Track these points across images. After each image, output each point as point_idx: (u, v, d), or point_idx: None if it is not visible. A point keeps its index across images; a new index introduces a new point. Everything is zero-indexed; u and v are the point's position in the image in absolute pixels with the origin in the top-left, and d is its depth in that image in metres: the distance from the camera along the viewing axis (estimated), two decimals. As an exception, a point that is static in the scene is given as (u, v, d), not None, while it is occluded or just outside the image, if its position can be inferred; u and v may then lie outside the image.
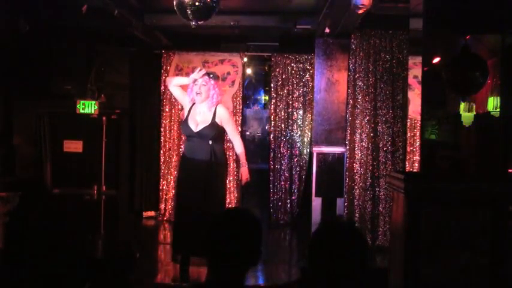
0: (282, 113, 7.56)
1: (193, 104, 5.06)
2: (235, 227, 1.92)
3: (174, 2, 4.39)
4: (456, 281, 3.53)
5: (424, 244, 3.57)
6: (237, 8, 6.34)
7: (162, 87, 7.64)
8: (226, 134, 5.20)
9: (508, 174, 3.74)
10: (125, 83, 7.63)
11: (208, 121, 4.94)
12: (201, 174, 4.90)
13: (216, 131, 4.95)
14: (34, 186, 7.14)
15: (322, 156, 6.48)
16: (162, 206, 7.64)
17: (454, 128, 4.16)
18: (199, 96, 4.96)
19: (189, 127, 4.97)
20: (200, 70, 5.03)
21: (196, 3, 4.26)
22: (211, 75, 5.06)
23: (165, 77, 7.61)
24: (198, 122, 4.97)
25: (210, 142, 4.91)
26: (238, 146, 5.12)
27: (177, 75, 7.59)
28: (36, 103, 7.48)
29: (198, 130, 4.94)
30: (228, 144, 7.50)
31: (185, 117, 5.06)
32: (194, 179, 4.94)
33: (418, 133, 7.09)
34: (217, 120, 4.95)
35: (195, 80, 4.97)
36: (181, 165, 5.18)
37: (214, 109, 4.96)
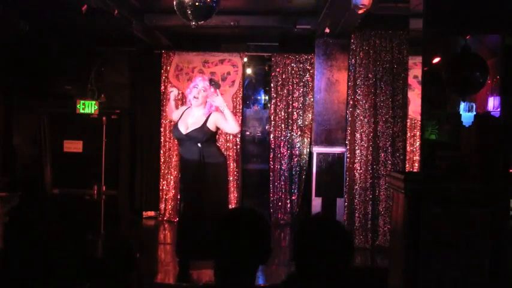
0: (282, 113, 7.56)
1: (187, 108, 5.07)
2: (243, 227, 1.92)
3: (174, 2, 4.38)
4: (456, 281, 3.53)
5: (424, 244, 3.57)
6: (237, 8, 6.34)
7: (162, 87, 7.64)
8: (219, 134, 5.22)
9: (508, 174, 3.73)
10: (124, 83, 7.62)
11: (199, 124, 4.92)
12: (195, 176, 4.91)
13: (205, 135, 4.93)
14: (34, 186, 7.16)
15: (322, 156, 6.48)
16: (162, 206, 7.64)
17: (454, 128, 4.16)
18: (196, 100, 4.95)
19: (178, 130, 4.99)
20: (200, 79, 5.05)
21: (196, 3, 4.25)
22: (213, 83, 5.02)
23: (165, 77, 7.62)
24: (189, 124, 4.96)
25: (199, 145, 4.91)
26: (234, 126, 5.01)
27: (177, 75, 7.60)
28: (36, 103, 7.48)
29: (187, 132, 4.94)
30: (228, 144, 7.51)
31: (177, 121, 5.08)
32: (190, 181, 4.96)
33: (418, 133, 7.09)
34: (208, 125, 4.93)
35: (196, 84, 4.98)
36: (180, 167, 5.23)
37: (208, 115, 4.95)
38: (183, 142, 5.02)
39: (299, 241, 1.96)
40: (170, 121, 7.54)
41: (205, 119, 4.93)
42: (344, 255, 1.91)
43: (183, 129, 4.96)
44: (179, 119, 5.05)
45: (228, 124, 4.94)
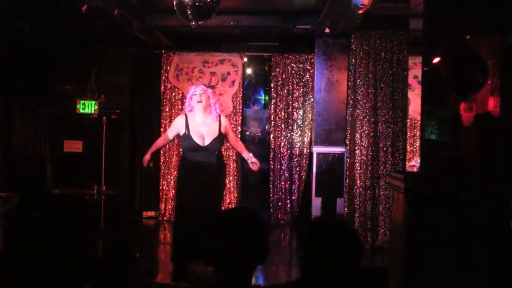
0: (282, 113, 7.56)
1: (186, 117, 5.04)
2: (241, 227, 1.92)
3: (174, 2, 4.39)
4: (456, 281, 3.53)
5: (424, 244, 3.56)
6: (237, 8, 6.35)
7: (162, 87, 7.64)
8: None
9: (508, 174, 3.73)
10: (125, 83, 7.62)
11: (216, 132, 4.95)
12: (208, 177, 4.89)
13: (221, 143, 5.08)
14: (34, 186, 7.15)
15: (322, 156, 6.48)
16: (162, 206, 7.64)
17: (454, 128, 4.15)
18: (201, 104, 4.95)
19: (194, 141, 4.92)
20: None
21: (196, 3, 4.26)
22: (208, 85, 5.12)
23: (165, 77, 7.62)
24: (204, 134, 4.95)
25: (216, 153, 4.96)
26: (242, 146, 5.39)
27: (177, 75, 7.60)
28: (36, 103, 7.48)
29: (207, 144, 4.92)
30: (228, 144, 7.50)
31: (185, 132, 4.98)
32: (199, 183, 4.91)
33: (418, 133, 7.09)
34: (222, 131, 5.01)
35: (192, 93, 5.00)
36: (183, 169, 5.09)
37: (219, 119, 5.00)
38: (198, 153, 4.94)
39: (308, 243, 1.94)
40: (170, 121, 7.54)
41: (218, 124, 4.98)
42: (352, 258, 1.90)
43: (199, 140, 4.92)
44: (188, 129, 4.97)
45: (232, 135, 5.31)
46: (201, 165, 4.92)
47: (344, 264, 1.88)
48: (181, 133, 5.03)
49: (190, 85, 5.20)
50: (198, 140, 4.92)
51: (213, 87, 5.23)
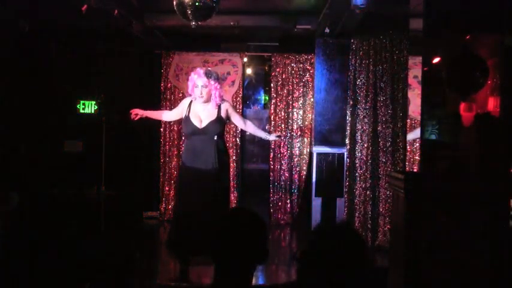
0: (282, 113, 7.56)
1: (191, 100, 5.06)
2: (240, 227, 1.92)
3: (174, 2, 4.39)
4: (456, 281, 3.53)
5: (424, 244, 3.57)
6: (237, 8, 6.34)
7: (162, 87, 7.64)
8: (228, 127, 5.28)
9: (508, 174, 3.73)
10: (124, 82, 7.62)
11: (214, 116, 4.94)
12: (206, 172, 4.87)
13: (221, 127, 4.98)
14: (34, 186, 7.15)
15: (322, 156, 6.48)
16: (162, 206, 7.64)
17: (454, 128, 4.15)
18: (201, 98, 4.96)
19: (192, 124, 4.94)
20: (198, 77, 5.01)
21: (196, 3, 4.26)
22: (211, 76, 5.00)
23: (165, 77, 7.62)
24: (202, 118, 4.96)
25: (215, 138, 4.92)
26: (251, 125, 5.36)
27: (177, 75, 7.60)
28: (37, 103, 7.48)
29: (203, 126, 4.93)
30: (228, 144, 7.51)
31: (186, 115, 5.03)
32: (200, 177, 4.88)
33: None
34: (222, 114, 4.97)
35: (195, 83, 4.98)
36: (184, 167, 5.05)
37: (219, 106, 5.00)
38: (197, 137, 4.94)
39: (309, 246, 1.91)
40: (170, 121, 7.53)
41: (217, 109, 4.97)
42: (357, 260, 1.87)
43: (197, 122, 4.94)
44: (188, 113, 5.01)
45: (237, 117, 5.23)
46: (200, 152, 4.88)
47: (346, 267, 1.87)
48: (183, 115, 5.05)
49: (188, 86, 5.12)
50: (196, 122, 4.94)
51: (217, 75, 5.10)
